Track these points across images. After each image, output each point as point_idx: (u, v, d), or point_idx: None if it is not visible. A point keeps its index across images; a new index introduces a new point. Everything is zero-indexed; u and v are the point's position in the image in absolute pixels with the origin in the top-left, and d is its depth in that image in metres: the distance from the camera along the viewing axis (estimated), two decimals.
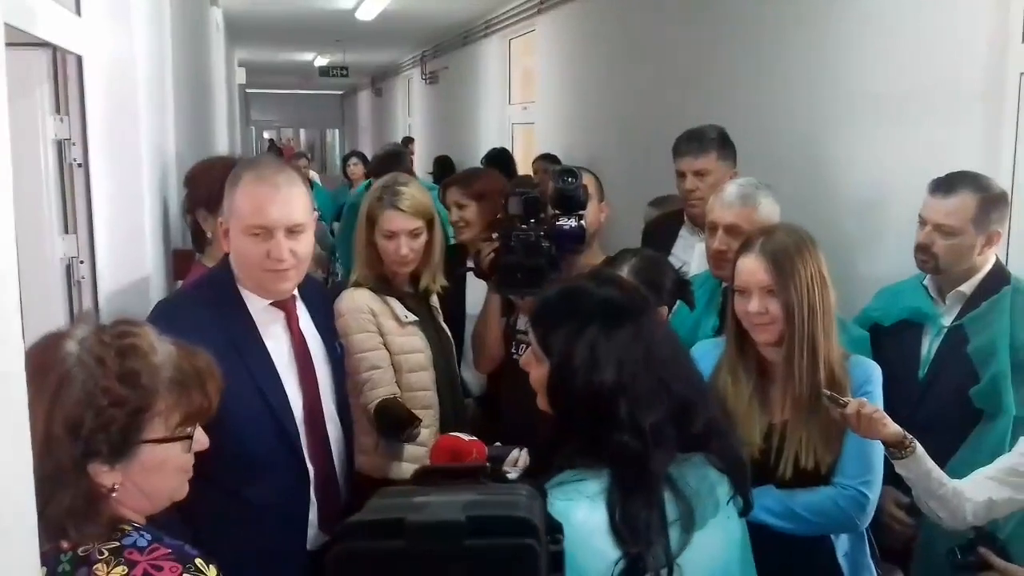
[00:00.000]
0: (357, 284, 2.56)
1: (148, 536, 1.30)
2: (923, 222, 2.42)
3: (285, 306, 2.07)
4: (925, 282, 2.50)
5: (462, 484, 1.16)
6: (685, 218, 3.17)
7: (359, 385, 2.44)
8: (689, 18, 4.54)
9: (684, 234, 3.15)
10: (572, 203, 2.65)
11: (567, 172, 2.68)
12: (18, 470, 0.93)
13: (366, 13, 8.46)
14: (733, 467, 1.51)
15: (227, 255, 2.06)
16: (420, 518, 1.04)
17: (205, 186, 2.65)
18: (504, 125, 8.50)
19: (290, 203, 1.96)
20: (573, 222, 2.65)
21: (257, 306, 2.03)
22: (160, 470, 1.34)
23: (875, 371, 2.03)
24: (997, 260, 2.43)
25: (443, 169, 7.92)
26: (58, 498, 1.23)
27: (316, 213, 2.04)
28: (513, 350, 2.79)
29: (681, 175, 3.06)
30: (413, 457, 2.51)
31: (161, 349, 1.35)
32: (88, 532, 1.26)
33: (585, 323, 1.45)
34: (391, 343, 2.50)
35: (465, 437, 1.97)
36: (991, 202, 2.35)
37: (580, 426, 1.45)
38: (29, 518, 0.97)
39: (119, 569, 1.25)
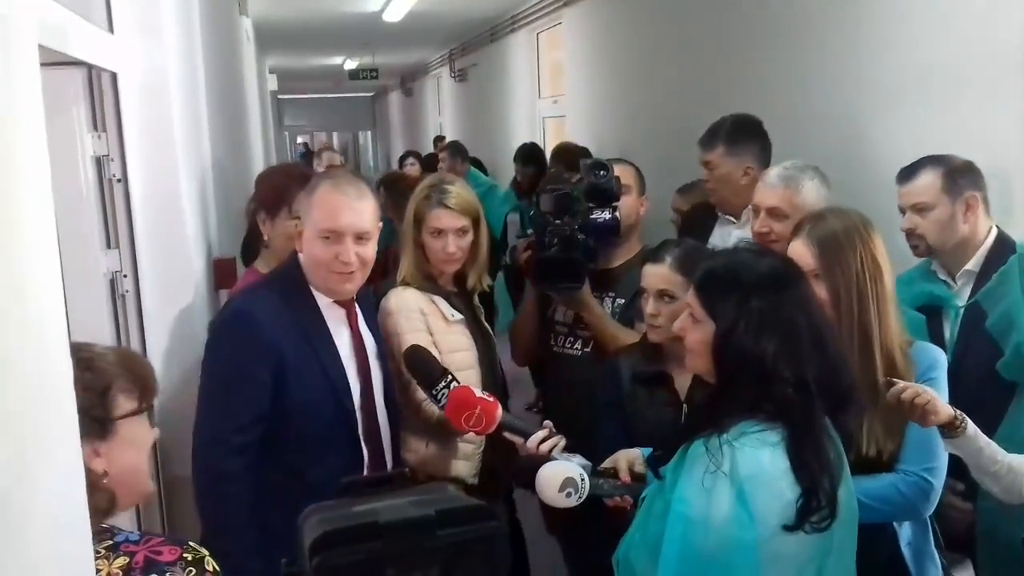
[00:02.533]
0: (404, 283, 2.57)
1: (137, 532, 1.38)
2: (902, 210, 2.47)
3: (346, 304, 2.24)
4: (933, 267, 2.48)
5: (390, 490, 1.22)
6: (717, 210, 3.17)
7: (410, 384, 2.42)
8: (718, 3, 4.49)
9: (720, 223, 3.14)
10: (605, 196, 2.66)
11: (598, 166, 2.69)
12: (72, 477, 0.95)
13: (393, 14, 8.50)
14: (845, 432, 1.65)
15: (294, 254, 2.25)
16: (390, 518, 1.10)
17: (268, 190, 2.76)
18: (535, 119, 8.48)
19: (360, 212, 2.15)
20: (607, 214, 2.66)
21: (323, 302, 2.21)
22: (136, 446, 1.44)
23: (939, 357, 1.98)
24: (1000, 232, 2.41)
25: None
26: None
27: (380, 223, 2.26)
28: (552, 341, 2.82)
29: None
30: (464, 455, 2.53)
31: (95, 344, 1.48)
32: (92, 508, 1.30)
33: (751, 292, 1.58)
34: (439, 342, 2.50)
35: (478, 393, 2.00)
36: (956, 171, 2.39)
37: (743, 383, 1.58)
38: (83, 526, 0.99)
39: (120, 560, 1.30)
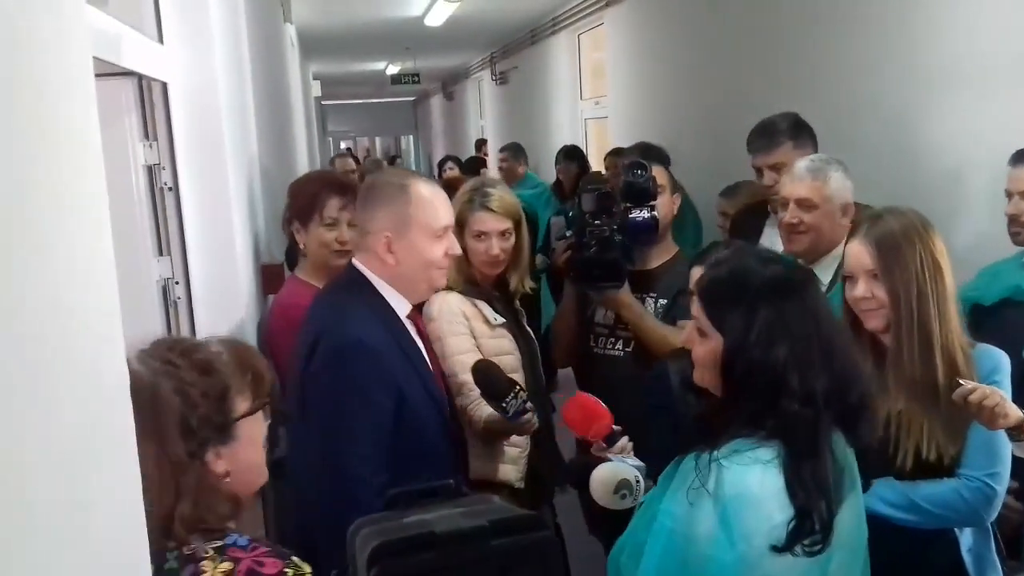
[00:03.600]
0: (447, 287, 2.57)
1: (247, 538, 1.37)
2: (1009, 194, 2.41)
3: (412, 313, 2.20)
4: None
5: (438, 502, 1.23)
6: (770, 210, 3.11)
7: (458, 388, 2.42)
8: (760, 1, 4.44)
9: (770, 225, 3.10)
10: (643, 195, 2.66)
11: (636, 165, 2.69)
12: (128, 485, 0.96)
13: (435, 19, 8.54)
14: (862, 447, 1.58)
15: (350, 266, 2.16)
16: (446, 528, 1.11)
17: (299, 200, 2.77)
18: (577, 121, 8.47)
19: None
20: (645, 214, 2.66)
21: (400, 313, 2.15)
22: (255, 443, 1.46)
23: (1003, 360, 1.93)
24: None
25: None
26: (179, 503, 1.32)
27: None
28: (592, 343, 2.83)
29: (758, 171, 3.00)
30: (511, 458, 2.53)
31: (209, 339, 1.49)
32: (217, 515, 1.35)
33: (757, 301, 1.51)
34: (482, 346, 2.51)
35: (602, 404, 1.97)
36: None
37: (751, 397, 1.51)
38: (140, 533, 1.00)
39: (225, 565, 1.31)
